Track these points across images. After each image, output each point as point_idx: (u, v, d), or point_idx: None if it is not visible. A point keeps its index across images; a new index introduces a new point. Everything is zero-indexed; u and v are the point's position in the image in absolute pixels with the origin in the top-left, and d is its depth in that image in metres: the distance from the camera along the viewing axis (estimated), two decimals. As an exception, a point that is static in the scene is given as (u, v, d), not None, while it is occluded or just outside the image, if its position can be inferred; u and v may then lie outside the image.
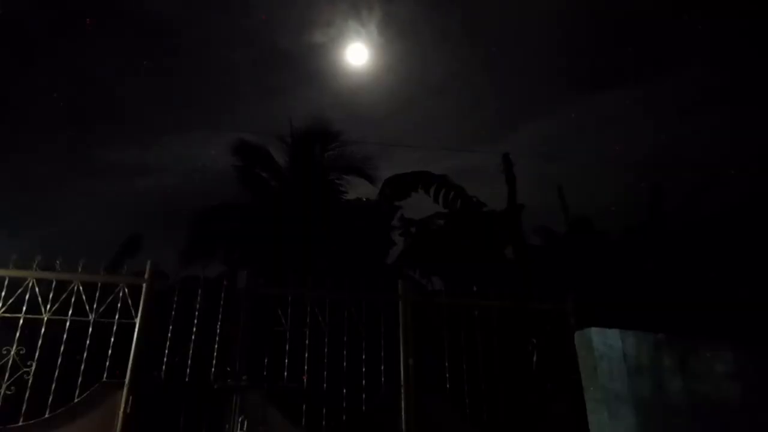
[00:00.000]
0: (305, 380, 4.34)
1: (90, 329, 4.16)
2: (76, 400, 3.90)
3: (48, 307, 4.12)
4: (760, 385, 4.64)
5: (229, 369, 4.13)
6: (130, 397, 3.94)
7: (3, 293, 4.06)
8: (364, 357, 4.52)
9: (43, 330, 4.07)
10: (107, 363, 4.10)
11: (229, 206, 11.24)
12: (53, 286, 4.18)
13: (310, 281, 4.62)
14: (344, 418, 4.34)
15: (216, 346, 4.28)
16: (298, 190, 10.99)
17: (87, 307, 4.18)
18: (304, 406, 4.30)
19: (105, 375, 4.06)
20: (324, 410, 4.33)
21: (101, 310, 4.19)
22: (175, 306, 4.41)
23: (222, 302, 4.44)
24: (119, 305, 4.20)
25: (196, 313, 4.39)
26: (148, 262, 4.43)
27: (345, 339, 4.53)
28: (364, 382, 4.44)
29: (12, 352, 3.94)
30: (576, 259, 11.10)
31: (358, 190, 12.11)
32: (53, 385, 3.96)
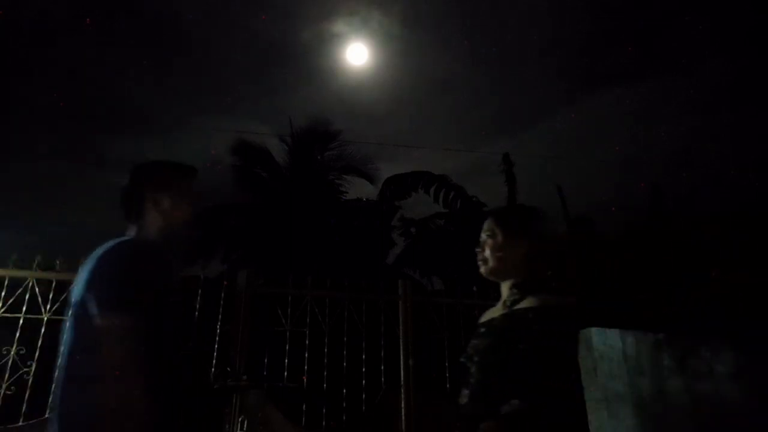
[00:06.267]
0: (305, 380, 4.33)
1: (90, 329, 4.15)
2: (76, 400, 3.89)
3: (48, 307, 4.12)
4: (760, 385, 4.64)
5: (229, 369, 4.12)
6: (130, 397, 3.93)
7: (3, 293, 4.05)
8: (364, 357, 4.52)
9: (43, 330, 4.07)
10: (107, 363, 4.08)
11: (228, 206, 11.25)
12: (53, 286, 4.17)
13: (310, 281, 4.62)
14: (344, 418, 4.34)
15: (216, 346, 4.27)
16: (298, 190, 10.99)
17: (87, 307, 4.16)
18: (304, 406, 4.30)
19: (105, 375, 4.04)
20: (324, 410, 4.33)
21: (101, 310, 4.18)
22: (175, 306, 4.39)
23: (222, 302, 4.43)
24: (119, 305, 4.18)
25: (196, 313, 4.38)
26: (148, 262, 4.41)
27: (345, 339, 4.53)
28: (364, 382, 4.44)
29: (12, 352, 3.93)
30: (575, 258, 11.08)
31: (358, 190, 12.12)
32: (53, 385, 3.95)
